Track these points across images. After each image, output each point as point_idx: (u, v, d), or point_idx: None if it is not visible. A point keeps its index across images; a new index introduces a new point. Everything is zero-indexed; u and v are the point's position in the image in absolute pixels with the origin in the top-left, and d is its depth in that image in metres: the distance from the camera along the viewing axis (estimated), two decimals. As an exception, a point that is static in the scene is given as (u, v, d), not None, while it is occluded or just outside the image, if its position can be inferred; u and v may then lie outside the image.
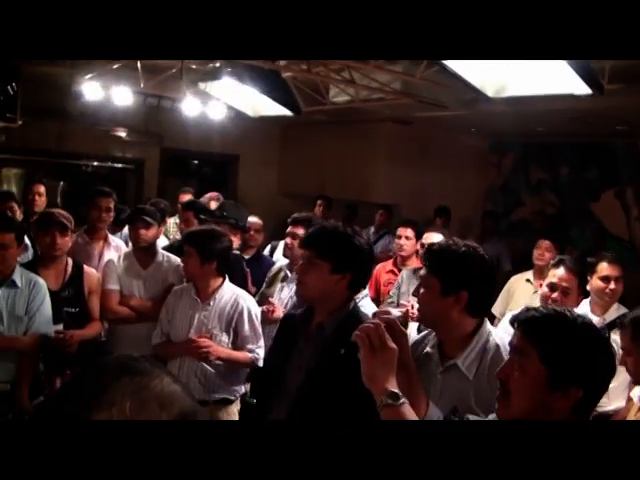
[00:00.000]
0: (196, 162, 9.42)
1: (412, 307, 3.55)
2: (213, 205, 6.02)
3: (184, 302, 3.34)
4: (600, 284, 3.48)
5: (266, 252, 5.29)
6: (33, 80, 5.86)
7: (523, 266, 5.02)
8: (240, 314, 3.29)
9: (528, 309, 1.56)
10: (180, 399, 0.93)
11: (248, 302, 3.35)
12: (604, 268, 3.50)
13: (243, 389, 3.47)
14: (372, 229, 6.96)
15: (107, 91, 5.97)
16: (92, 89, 5.91)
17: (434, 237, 4.06)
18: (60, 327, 3.51)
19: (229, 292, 3.34)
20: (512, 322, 1.57)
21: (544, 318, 1.52)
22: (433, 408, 1.72)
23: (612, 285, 3.45)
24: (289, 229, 3.82)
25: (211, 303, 3.29)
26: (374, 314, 1.50)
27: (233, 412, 3.34)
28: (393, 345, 1.39)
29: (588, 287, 3.56)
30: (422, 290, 2.05)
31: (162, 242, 5.11)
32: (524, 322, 1.53)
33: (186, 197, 6.51)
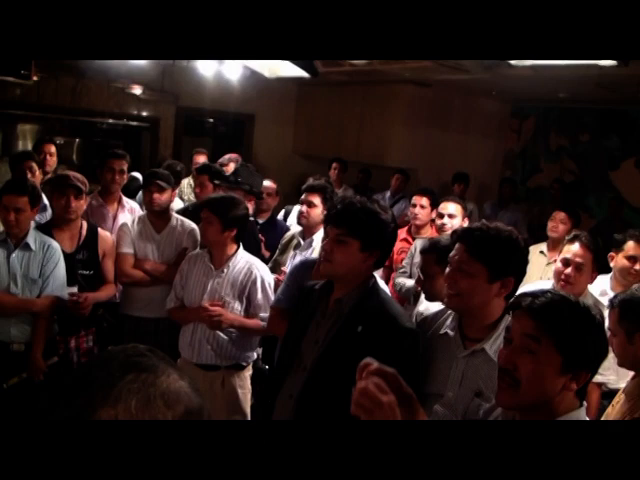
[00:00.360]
0: (211, 121, 9.35)
1: None
2: (232, 167, 6.03)
3: (198, 268, 3.35)
4: (626, 263, 3.44)
5: (280, 216, 5.26)
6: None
7: (540, 233, 4.97)
8: (253, 282, 3.29)
9: (536, 295, 1.54)
10: (186, 397, 0.93)
11: (261, 271, 3.35)
12: (631, 247, 3.45)
13: (255, 355, 3.50)
14: (388, 193, 6.89)
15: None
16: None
17: (450, 207, 4.03)
18: (75, 289, 3.55)
19: (243, 260, 3.34)
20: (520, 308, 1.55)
21: (555, 305, 1.51)
22: None
23: (637, 266, 3.41)
24: (304, 197, 3.80)
25: (225, 270, 3.30)
26: (358, 369, 1.44)
27: (245, 377, 3.38)
28: (387, 398, 1.33)
29: (612, 264, 3.53)
30: (463, 277, 1.99)
31: (177, 204, 5.12)
32: (537, 311, 1.51)
33: (200, 158, 6.50)
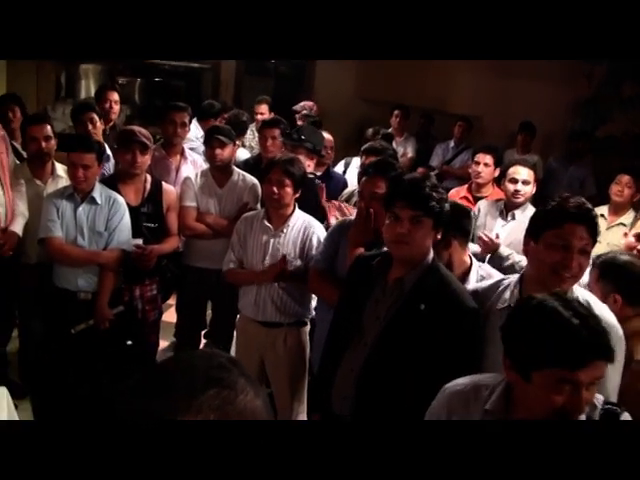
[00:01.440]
0: (273, 62, 9.26)
1: (490, 241, 3.50)
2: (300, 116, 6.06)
3: (256, 229, 3.37)
4: None
5: (340, 167, 5.22)
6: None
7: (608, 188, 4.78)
8: (311, 240, 3.32)
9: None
10: (260, 417, 0.97)
11: (317, 229, 3.37)
12: None
13: (314, 312, 3.57)
14: (451, 143, 6.70)
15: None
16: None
17: (523, 172, 3.84)
18: (140, 241, 3.65)
19: (300, 219, 3.36)
20: None
21: None
22: None
23: None
24: (364, 159, 3.76)
25: (284, 230, 3.32)
26: None
27: (305, 333, 3.45)
28: None
29: None
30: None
31: (241, 153, 5.14)
32: None
33: (262, 108, 6.45)
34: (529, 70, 7.08)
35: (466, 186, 4.44)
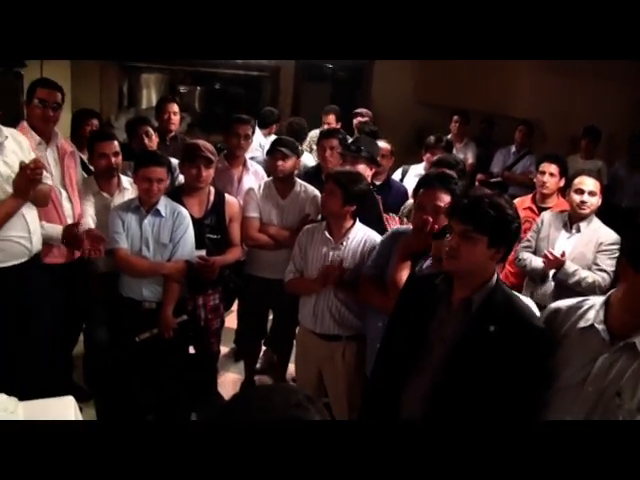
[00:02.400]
0: (331, 67, 9.30)
1: (555, 258, 3.44)
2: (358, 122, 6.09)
3: (317, 241, 3.40)
4: None
5: (397, 175, 5.20)
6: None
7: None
8: (370, 253, 3.30)
9: None
10: None
11: (378, 242, 3.34)
12: None
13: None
14: (512, 148, 6.60)
15: None
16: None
17: (589, 183, 3.75)
18: (203, 252, 3.72)
19: (360, 232, 3.37)
20: None
21: None
22: None
23: None
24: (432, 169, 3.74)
25: (344, 242, 3.33)
26: None
27: (364, 346, 3.42)
28: None
29: None
30: None
31: (307, 158, 5.14)
32: None
33: (330, 118, 6.48)
34: (592, 71, 6.89)
35: (530, 196, 4.35)
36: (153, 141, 4.49)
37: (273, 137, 6.28)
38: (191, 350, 4.01)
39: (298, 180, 4.09)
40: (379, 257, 3.11)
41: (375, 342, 3.04)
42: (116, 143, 3.84)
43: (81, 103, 5.63)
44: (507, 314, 2.10)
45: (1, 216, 2.96)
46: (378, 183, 4.52)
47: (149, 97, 8.42)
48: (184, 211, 3.61)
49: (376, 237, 3.37)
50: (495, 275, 2.20)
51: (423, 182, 2.97)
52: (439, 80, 8.07)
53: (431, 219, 2.80)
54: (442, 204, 2.79)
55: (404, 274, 2.83)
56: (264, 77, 8.56)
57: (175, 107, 5.08)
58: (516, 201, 4.28)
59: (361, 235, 3.36)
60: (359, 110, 6.64)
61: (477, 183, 5.58)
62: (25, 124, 3.55)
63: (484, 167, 6.58)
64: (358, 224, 3.39)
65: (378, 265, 3.08)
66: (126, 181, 3.89)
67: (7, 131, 3.13)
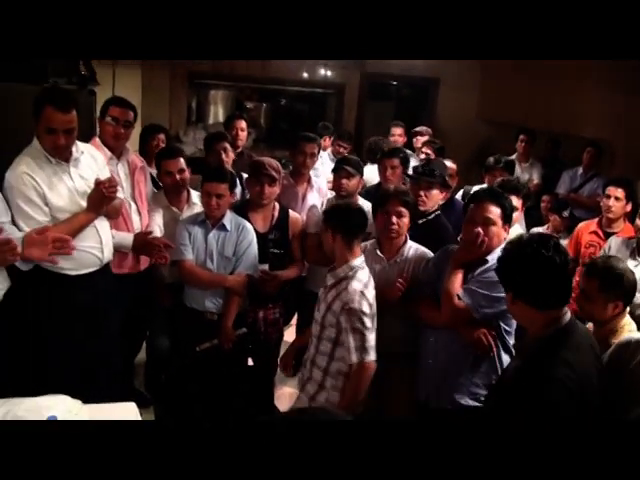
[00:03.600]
0: (395, 84, 9.34)
1: None
2: (422, 139, 6.10)
3: (368, 259, 3.35)
4: None
5: (458, 196, 5.16)
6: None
7: None
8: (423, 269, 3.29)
9: None
10: None
11: (430, 257, 3.34)
12: None
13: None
14: (580, 170, 6.43)
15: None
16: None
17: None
18: (266, 267, 3.77)
19: (413, 249, 3.35)
20: None
21: None
22: None
23: None
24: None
25: (397, 260, 3.33)
26: None
27: (414, 362, 3.41)
28: None
29: None
30: None
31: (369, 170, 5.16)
32: None
33: (397, 130, 6.56)
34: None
35: (596, 220, 4.26)
36: (229, 157, 4.58)
37: (328, 151, 6.38)
38: (249, 362, 4.07)
39: (360, 198, 4.10)
40: (432, 273, 3.12)
41: (427, 357, 3.07)
42: (182, 160, 3.94)
43: (151, 118, 5.80)
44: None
45: (75, 228, 3.07)
46: (441, 202, 4.50)
47: (216, 113, 8.64)
48: (248, 226, 3.68)
49: (428, 253, 3.37)
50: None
51: (473, 198, 3.04)
52: (504, 98, 7.99)
53: (482, 231, 2.86)
54: (492, 216, 2.89)
55: (457, 285, 2.90)
56: (329, 94, 8.67)
57: (243, 124, 5.20)
58: (581, 225, 4.23)
59: (413, 252, 3.35)
60: (419, 129, 6.64)
61: (542, 204, 5.49)
62: (97, 140, 3.69)
63: (550, 188, 6.46)
64: (409, 241, 3.38)
65: (431, 281, 3.10)
66: (195, 195, 4.00)
67: (83, 146, 3.25)
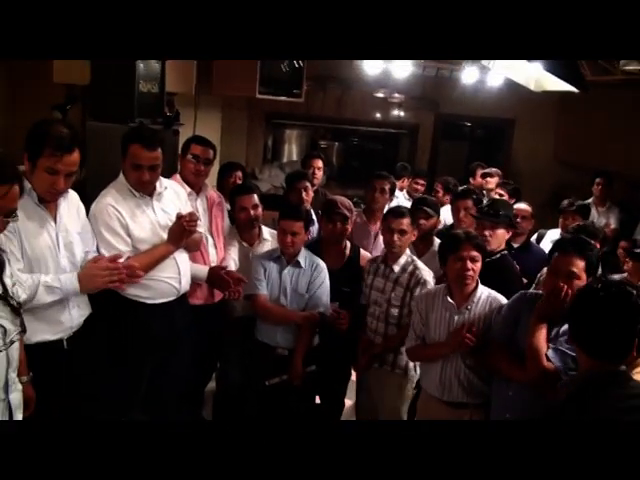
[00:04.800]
0: (469, 125, 9.34)
1: None
2: (494, 181, 6.08)
3: (438, 306, 3.30)
4: None
5: (533, 239, 5.08)
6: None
7: None
8: (497, 315, 3.18)
9: None
10: None
11: (503, 303, 3.21)
12: None
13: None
14: (663, 217, 6.26)
15: (388, 63, 6.18)
16: (374, 61, 6.15)
17: None
18: (337, 305, 3.78)
19: (484, 294, 3.25)
20: None
21: None
22: None
23: None
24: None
25: (469, 307, 3.22)
26: None
27: (489, 415, 3.29)
28: None
29: None
30: None
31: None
32: None
33: (478, 172, 6.61)
34: None
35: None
36: (309, 195, 4.69)
37: (404, 192, 6.44)
38: (317, 400, 4.08)
39: (436, 239, 4.07)
40: (507, 322, 2.99)
41: (502, 411, 2.94)
42: (255, 196, 4.04)
43: (229, 156, 6.00)
44: None
45: (155, 259, 3.19)
46: (516, 246, 4.44)
47: (290, 151, 8.85)
48: (322, 264, 3.73)
49: (501, 299, 3.26)
50: None
51: (558, 246, 2.93)
52: (581, 140, 7.88)
53: (565, 285, 2.74)
54: (576, 270, 2.76)
55: (543, 343, 2.73)
56: (402, 134, 8.75)
57: (320, 163, 5.34)
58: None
59: (485, 297, 3.24)
60: (488, 170, 6.56)
61: (620, 250, 5.33)
62: (178, 176, 3.84)
63: (627, 234, 6.26)
64: (480, 285, 3.28)
65: (507, 331, 2.97)
66: (267, 232, 4.09)
67: (167, 182, 3.39)
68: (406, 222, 3.65)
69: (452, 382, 3.22)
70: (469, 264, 3.17)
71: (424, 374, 3.42)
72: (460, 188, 5.30)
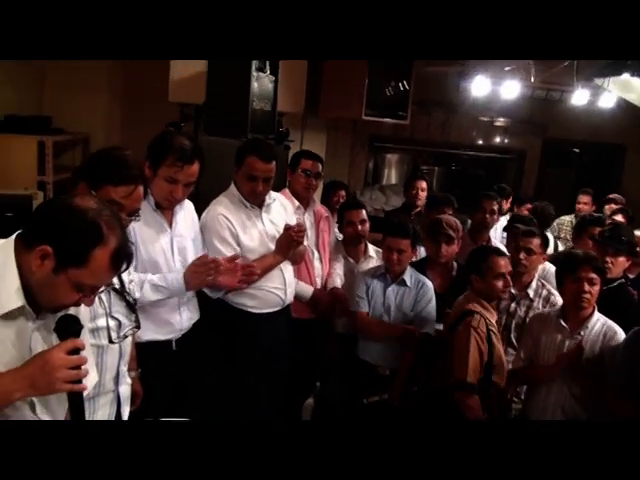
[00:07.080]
0: (577, 151, 9.02)
1: None
2: (611, 209, 5.86)
3: (551, 328, 3.20)
4: None
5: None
6: (423, 77, 6.27)
7: None
8: (610, 347, 3.03)
9: None
10: None
11: (620, 336, 3.05)
12: None
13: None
14: None
15: (495, 85, 6.07)
16: (481, 84, 6.06)
17: None
18: (440, 327, 3.68)
19: (600, 322, 3.11)
20: None
21: None
22: None
23: None
24: None
25: (582, 333, 3.09)
26: None
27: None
28: None
29: None
30: None
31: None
32: None
33: (585, 198, 6.43)
34: None
35: None
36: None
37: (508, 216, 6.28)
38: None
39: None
40: (627, 362, 2.82)
41: None
42: (364, 212, 4.09)
43: (332, 177, 6.04)
44: None
45: (263, 268, 3.24)
46: (632, 277, 4.21)
47: (389, 175, 8.83)
48: (429, 283, 3.68)
49: (617, 329, 3.09)
50: None
51: None
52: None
53: None
54: None
55: None
56: (507, 159, 8.54)
57: (424, 184, 5.36)
58: None
59: (600, 325, 3.10)
60: (612, 196, 6.39)
61: None
62: (287, 191, 3.91)
63: None
64: (597, 312, 3.14)
65: (627, 371, 2.80)
66: (372, 249, 4.10)
67: (275, 195, 3.47)
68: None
69: (556, 410, 3.11)
70: (587, 286, 3.05)
71: (527, 399, 3.33)
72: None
